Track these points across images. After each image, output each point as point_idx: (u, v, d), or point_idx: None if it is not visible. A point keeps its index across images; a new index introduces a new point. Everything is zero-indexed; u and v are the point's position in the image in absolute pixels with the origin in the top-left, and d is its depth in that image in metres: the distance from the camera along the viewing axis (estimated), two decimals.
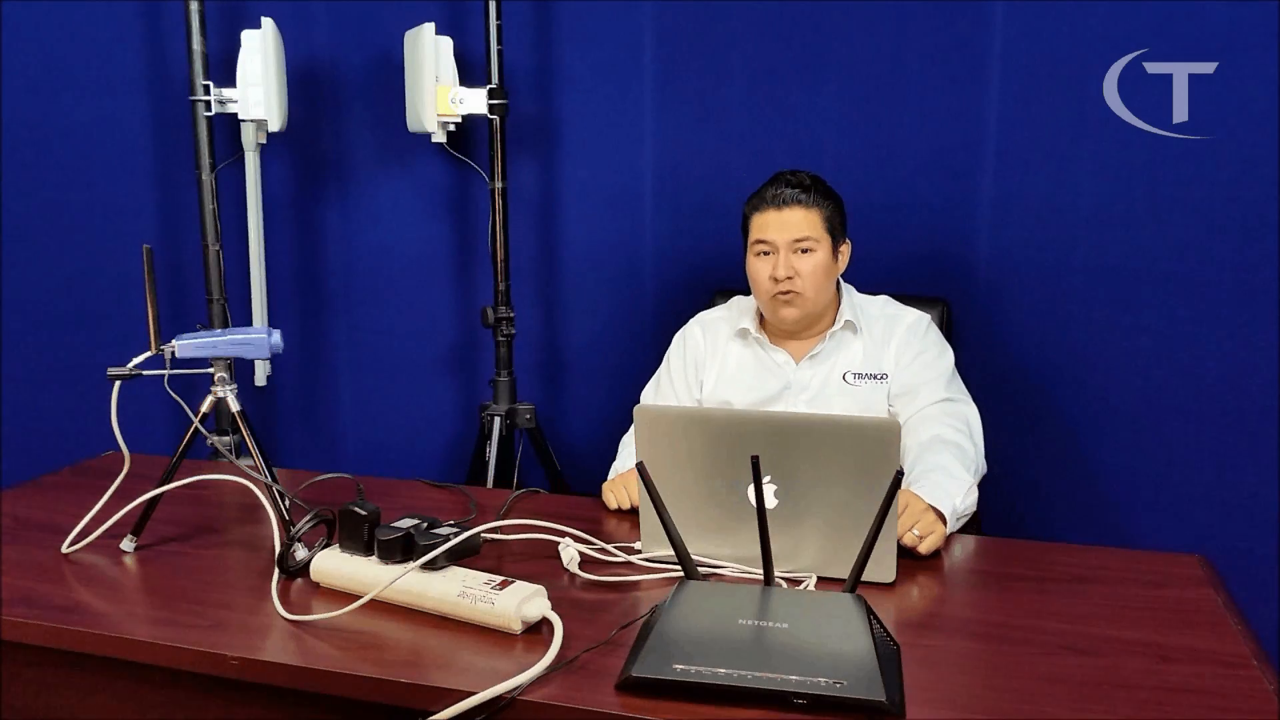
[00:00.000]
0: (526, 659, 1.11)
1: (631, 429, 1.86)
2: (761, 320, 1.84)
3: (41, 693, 1.30)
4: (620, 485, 1.63)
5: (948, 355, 1.79)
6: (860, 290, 1.86)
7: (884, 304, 1.84)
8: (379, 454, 2.64)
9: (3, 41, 2.51)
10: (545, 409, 2.51)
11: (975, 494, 1.56)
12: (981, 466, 1.67)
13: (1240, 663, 1.14)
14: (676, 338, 1.93)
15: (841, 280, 1.83)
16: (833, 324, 1.80)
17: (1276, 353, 2.02)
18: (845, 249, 1.81)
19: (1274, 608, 2.04)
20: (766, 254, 1.75)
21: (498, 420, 2.34)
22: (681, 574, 1.24)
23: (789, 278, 1.72)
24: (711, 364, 1.86)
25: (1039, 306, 2.16)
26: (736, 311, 1.89)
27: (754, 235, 1.77)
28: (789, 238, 1.72)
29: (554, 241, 2.46)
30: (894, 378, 1.75)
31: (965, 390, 1.77)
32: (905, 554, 1.40)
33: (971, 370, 1.85)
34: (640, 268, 2.40)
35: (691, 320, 1.94)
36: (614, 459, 1.82)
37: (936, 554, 1.45)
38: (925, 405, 1.71)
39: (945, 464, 1.57)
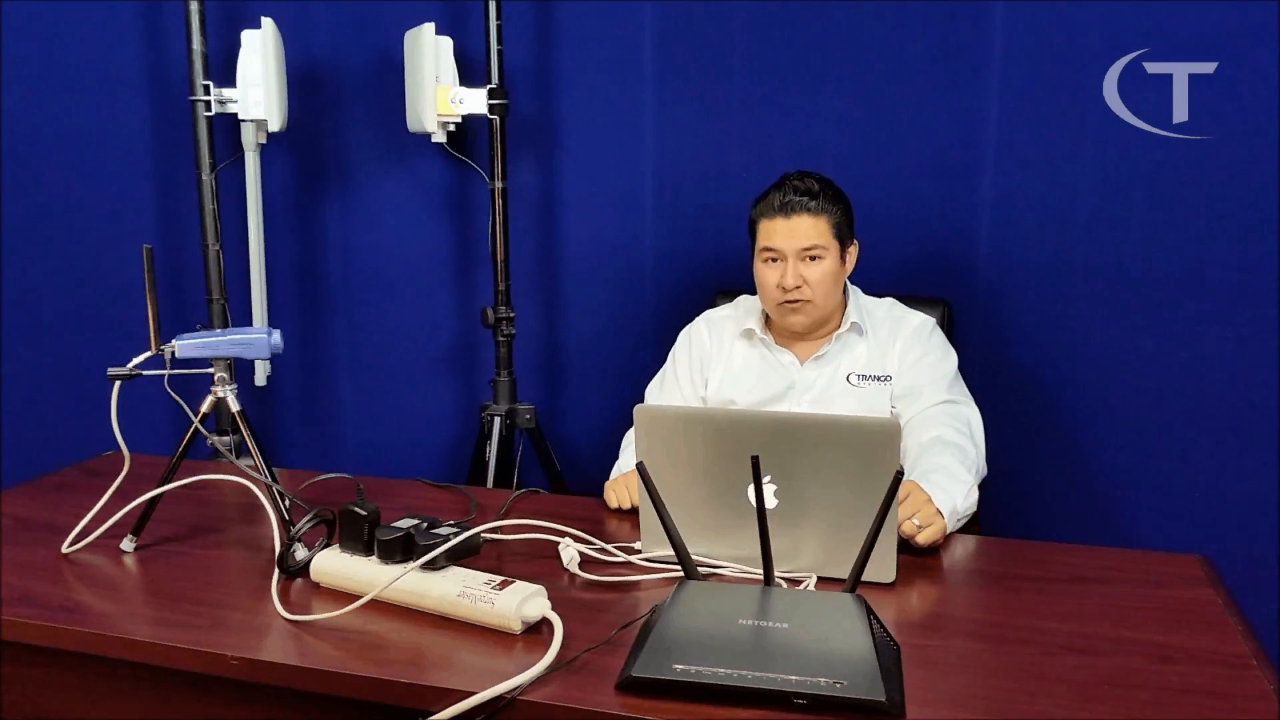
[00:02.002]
0: (526, 659, 1.11)
1: (633, 429, 1.86)
2: (767, 321, 1.84)
3: (41, 693, 1.30)
4: (622, 485, 1.63)
5: (951, 358, 1.79)
6: (862, 291, 1.86)
7: (890, 306, 1.84)
8: (379, 454, 2.64)
9: (3, 41, 2.51)
10: (545, 409, 2.51)
11: (975, 495, 1.56)
12: (982, 468, 1.67)
13: (1240, 663, 1.14)
14: (683, 335, 1.93)
15: (848, 282, 1.83)
16: (839, 326, 1.80)
17: (1276, 353, 2.02)
18: (853, 250, 1.80)
19: (1274, 608, 2.04)
20: (774, 261, 1.74)
21: (498, 420, 2.34)
22: (681, 574, 1.24)
23: (797, 287, 1.72)
24: (717, 363, 1.86)
25: (1039, 306, 2.16)
26: (743, 311, 1.89)
27: (762, 242, 1.75)
28: (797, 246, 1.71)
29: (554, 241, 2.46)
30: (897, 379, 1.76)
31: (968, 393, 1.77)
32: (906, 550, 1.40)
33: (971, 370, 1.85)
34: (640, 268, 2.40)
35: (698, 318, 1.94)
36: (614, 459, 1.82)
37: (936, 553, 1.45)
38: (927, 407, 1.71)
39: (946, 464, 1.57)
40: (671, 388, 1.90)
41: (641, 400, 1.92)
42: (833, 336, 1.79)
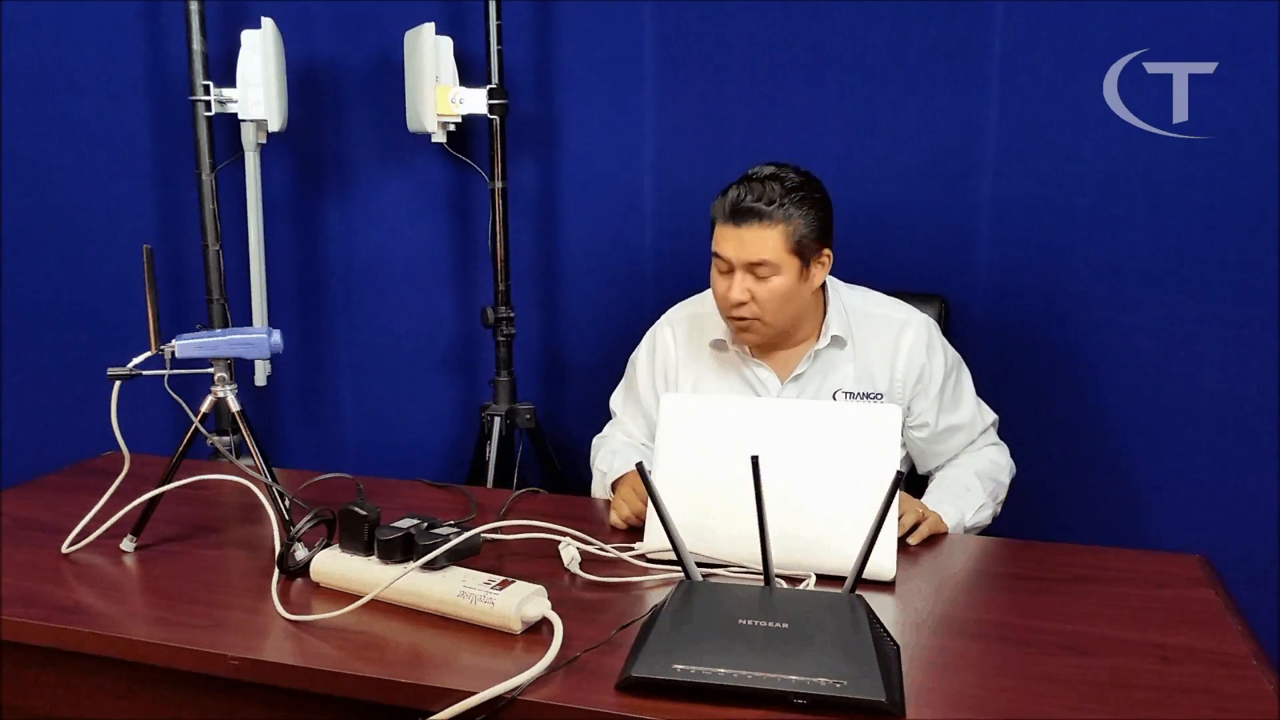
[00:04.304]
0: (526, 659, 1.11)
1: (603, 432, 1.83)
2: None
3: (41, 693, 1.30)
4: (630, 492, 1.51)
5: (965, 372, 1.74)
6: (853, 284, 1.78)
7: (878, 303, 1.73)
8: (379, 454, 2.64)
9: (3, 41, 2.51)
10: (545, 409, 2.51)
11: (988, 512, 1.63)
12: (1011, 470, 1.73)
13: (1240, 663, 1.15)
14: (645, 340, 1.80)
15: (828, 279, 1.69)
16: (816, 337, 1.68)
17: (1276, 353, 2.02)
18: (824, 259, 1.62)
19: (1274, 608, 2.04)
20: (725, 272, 1.59)
21: (498, 420, 2.34)
22: (681, 574, 1.24)
23: (742, 303, 1.57)
24: (685, 375, 1.74)
25: (1038, 306, 2.16)
26: (711, 309, 1.72)
27: (714, 246, 1.60)
28: (744, 259, 1.55)
29: (554, 241, 2.46)
30: (914, 398, 1.68)
31: (983, 404, 1.77)
32: (907, 550, 1.41)
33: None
34: (640, 268, 2.40)
35: (661, 320, 1.80)
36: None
37: (936, 553, 1.45)
38: (968, 441, 1.72)
39: (963, 479, 1.64)
40: (633, 403, 1.79)
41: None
42: (811, 352, 1.67)
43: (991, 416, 1.78)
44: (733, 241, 1.56)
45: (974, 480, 1.65)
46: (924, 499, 1.60)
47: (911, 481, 1.80)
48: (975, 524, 1.60)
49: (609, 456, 1.73)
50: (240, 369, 2.43)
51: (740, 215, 1.55)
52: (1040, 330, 2.17)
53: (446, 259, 2.53)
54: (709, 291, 1.78)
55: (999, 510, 1.69)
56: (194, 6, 2.28)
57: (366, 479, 1.69)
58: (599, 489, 1.74)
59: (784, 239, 1.55)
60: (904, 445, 1.76)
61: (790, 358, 1.70)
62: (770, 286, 1.57)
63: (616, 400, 1.86)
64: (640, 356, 1.80)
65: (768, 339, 1.65)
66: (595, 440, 1.82)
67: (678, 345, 1.75)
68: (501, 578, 1.23)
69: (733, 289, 1.57)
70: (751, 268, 1.56)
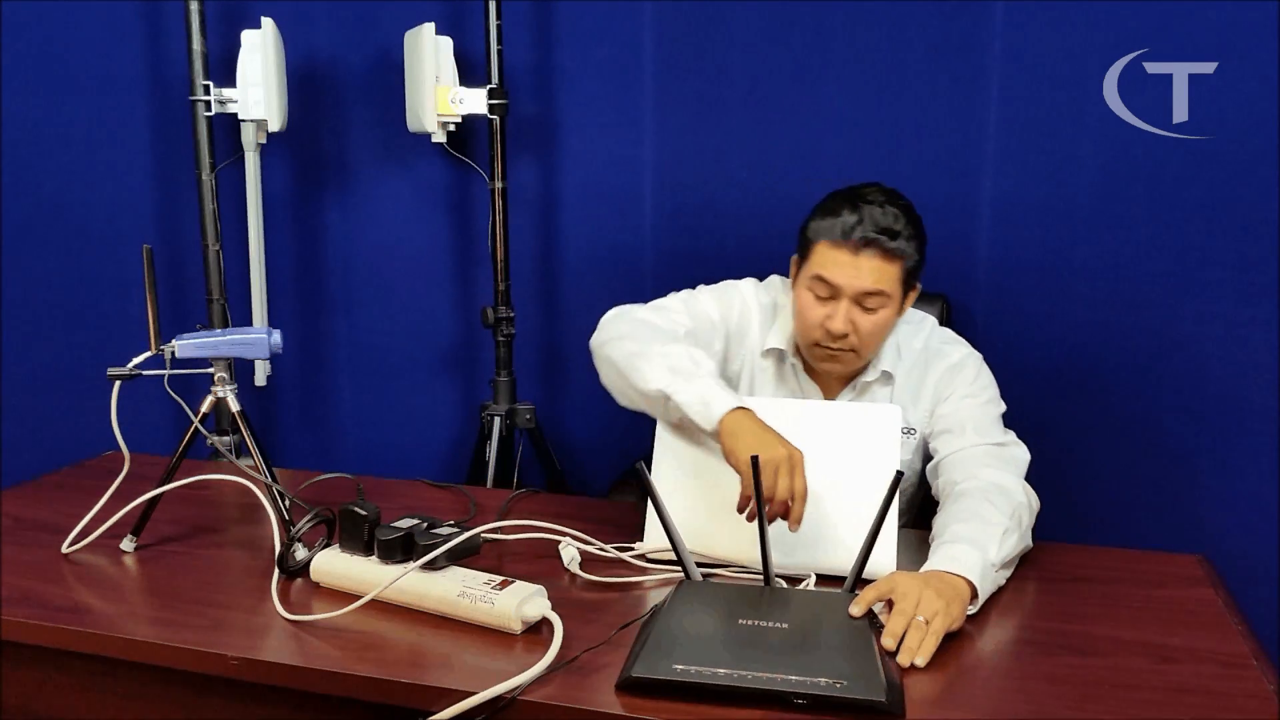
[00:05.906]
0: (526, 659, 1.11)
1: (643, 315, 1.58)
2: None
3: (41, 693, 1.30)
4: (789, 464, 1.27)
5: (999, 404, 1.57)
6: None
7: (929, 334, 1.63)
8: (379, 454, 2.64)
9: (3, 41, 2.51)
10: (545, 409, 2.51)
11: (1014, 539, 1.33)
12: (1034, 504, 1.45)
13: (1240, 663, 1.15)
14: (734, 294, 1.63)
15: None
16: (864, 369, 1.59)
17: (1276, 353, 2.02)
18: (913, 295, 1.55)
19: (1274, 608, 2.04)
20: (825, 297, 1.48)
21: (498, 420, 2.34)
22: (682, 574, 1.24)
23: (845, 335, 1.48)
24: (743, 369, 1.64)
25: (1038, 306, 2.16)
26: (772, 299, 1.63)
27: (815, 268, 1.48)
28: (859, 288, 1.45)
29: (554, 241, 2.46)
30: (935, 415, 1.56)
31: (1012, 434, 1.55)
32: (906, 552, 1.40)
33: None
34: (640, 268, 2.40)
35: (750, 295, 1.64)
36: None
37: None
38: (970, 445, 1.49)
39: (978, 511, 1.33)
40: (692, 313, 1.59)
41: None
42: (857, 383, 1.60)
43: (1014, 440, 1.54)
44: (848, 269, 1.46)
45: (983, 505, 1.35)
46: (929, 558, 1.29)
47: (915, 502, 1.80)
48: (1005, 557, 1.31)
49: (686, 354, 1.42)
50: (240, 369, 2.42)
51: (864, 244, 1.45)
52: (1040, 330, 2.17)
53: (446, 259, 2.53)
54: (770, 282, 1.68)
55: (1036, 503, 1.46)
56: (194, 6, 2.28)
57: (366, 479, 1.69)
58: (691, 398, 1.35)
59: (900, 272, 1.48)
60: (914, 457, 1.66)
61: (838, 383, 1.63)
62: (875, 319, 1.48)
63: (675, 304, 1.63)
64: (725, 307, 1.63)
65: (850, 370, 1.57)
66: (619, 320, 1.55)
67: (758, 328, 1.63)
68: (501, 578, 1.23)
69: (836, 319, 1.47)
70: (862, 298, 1.47)
